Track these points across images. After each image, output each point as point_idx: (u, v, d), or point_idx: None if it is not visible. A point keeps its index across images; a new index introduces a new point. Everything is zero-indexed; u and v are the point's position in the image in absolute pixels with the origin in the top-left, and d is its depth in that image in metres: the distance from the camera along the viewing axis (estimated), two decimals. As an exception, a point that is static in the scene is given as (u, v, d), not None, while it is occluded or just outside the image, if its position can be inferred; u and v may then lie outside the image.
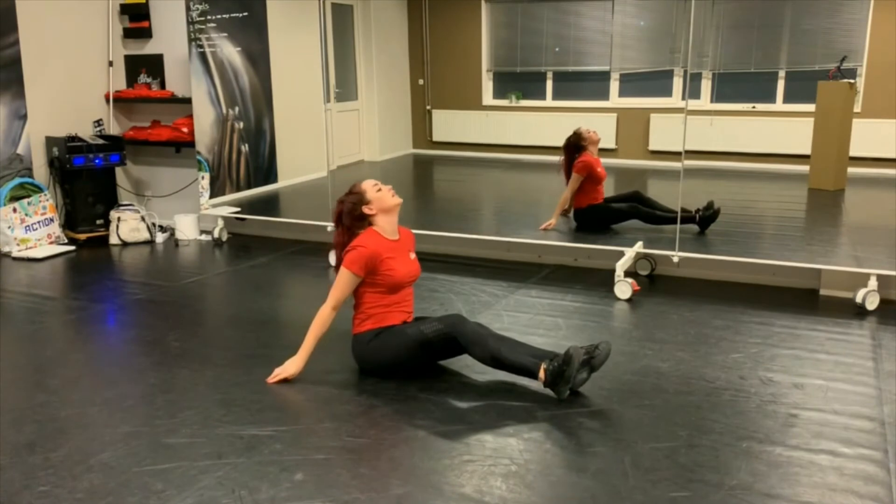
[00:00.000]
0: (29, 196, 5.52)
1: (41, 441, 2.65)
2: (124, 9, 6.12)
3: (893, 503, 2.27)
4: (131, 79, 6.22)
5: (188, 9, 5.63)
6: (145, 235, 5.76)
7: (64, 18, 5.81)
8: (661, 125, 6.18)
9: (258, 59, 6.05)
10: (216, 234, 5.78)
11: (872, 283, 4.03)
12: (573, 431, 2.69)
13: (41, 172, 5.76)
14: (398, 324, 3.17)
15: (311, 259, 5.19)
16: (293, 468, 2.45)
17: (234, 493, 2.31)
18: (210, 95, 5.82)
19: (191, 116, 5.82)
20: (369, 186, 3.20)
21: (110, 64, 6.20)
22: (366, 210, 3.18)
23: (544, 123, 6.63)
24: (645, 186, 5.86)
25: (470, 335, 2.98)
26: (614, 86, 6.45)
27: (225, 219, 5.84)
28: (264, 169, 6.23)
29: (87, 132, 5.94)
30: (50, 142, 5.71)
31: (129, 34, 6.18)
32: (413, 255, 3.30)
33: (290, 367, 3.16)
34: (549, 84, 6.73)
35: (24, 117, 5.61)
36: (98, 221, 5.81)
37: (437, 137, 7.11)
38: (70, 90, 5.93)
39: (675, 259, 4.49)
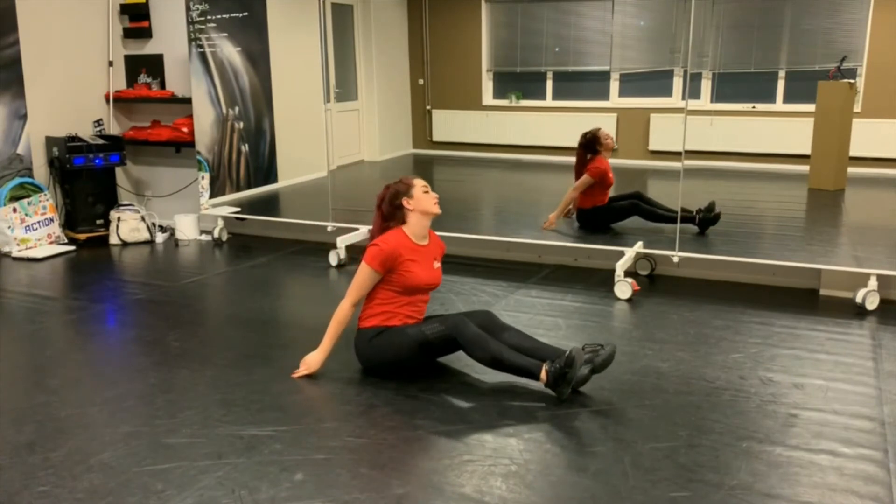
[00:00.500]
0: (29, 196, 5.52)
1: (41, 441, 2.65)
2: (124, 9, 6.12)
3: (893, 503, 2.27)
4: (131, 79, 6.22)
5: (188, 9, 5.63)
6: (145, 235, 5.76)
7: (64, 18, 5.81)
8: (661, 125, 6.18)
9: (258, 59, 6.05)
10: (216, 234, 5.78)
11: (872, 283, 4.03)
12: (573, 431, 2.69)
13: (41, 172, 5.76)
14: (400, 325, 3.18)
15: (311, 259, 5.19)
16: (293, 468, 2.45)
17: (234, 493, 2.31)
18: (210, 95, 5.82)
19: (191, 116, 5.82)
20: (419, 185, 3.22)
21: (110, 64, 6.20)
22: (405, 203, 3.18)
23: (544, 123, 6.63)
24: (645, 186, 5.86)
25: (471, 337, 2.98)
26: (614, 86, 6.45)
27: (225, 219, 5.84)
28: (264, 169, 6.23)
29: (87, 132, 5.94)
30: (50, 142, 5.71)
31: (129, 34, 6.18)
32: (438, 265, 3.28)
33: (313, 363, 3.19)
34: (549, 84, 6.73)
35: (24, 117, 5.61)
36: (98, 221, 5.81)
37: (437, 137, 7.12)
38: (70, 90, 5.93)
39: (675, 259, 4.49)
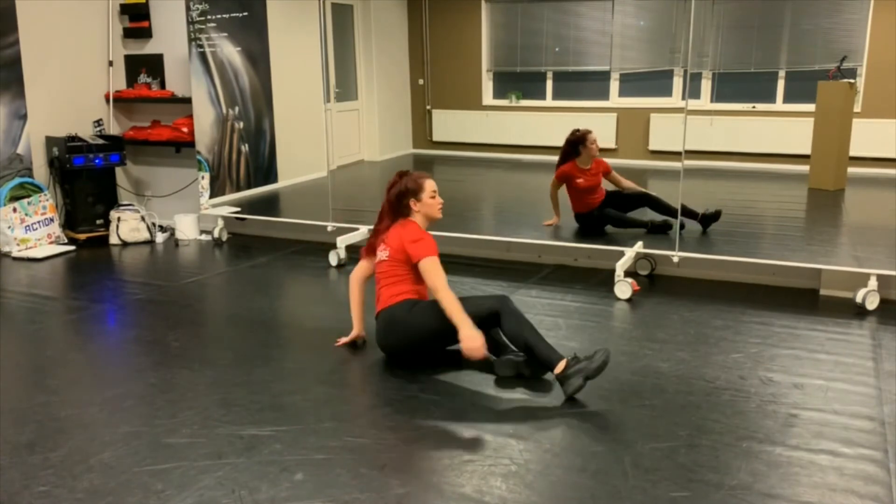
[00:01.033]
0: (29, 196, 5.52)
1: (41, 441, 2.65)
2: (124, 9, 6.12)
3: (893, 503, 2.27)
4: (131, 79, 6.22)
5: (188, 9, 5.63)
6: (145, 235, 5.76)
7: (64, 18, 5.81)
8: (661, 125, 6.19)
9: (258, 59, 6.05)
10: (216, 234, 5.78)
11: (872, 283, 4.03)
12: (573, 431, 2.69)
13: (41, 172, 5.76)
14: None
15: (311, 259, 5.19)
16: (293, 468, 2.45)
17: (234, 493, 2.31)
18: (210, 95, 5.82)
19: (191, 116, 5.82)
20: (429, 189, 3.33)
21: (110, 64, 6.20)
22: (412, 204, 3.30)
23: (544, 123, 6.63)
24: (645, 186, 5.86)
25: (513, 309, 3.12)
26: (614, 86, 6.45)
27: (225, 219, 5.84)
28: (264, 169, 6.23)
29: (87, 132, 5.94)
30: (50, 142, 5.71)
31: (129, 34, 6.19)
32: None
33: (476, 347, 3.01)
34: (549, 84, 6.74)
35: (24, 117, 5.61)
36: (98, 221, 5.81)
37: (437, 137, 7.12)
38: (70, 90, 5.93)
39: (675, 259, 4.49)
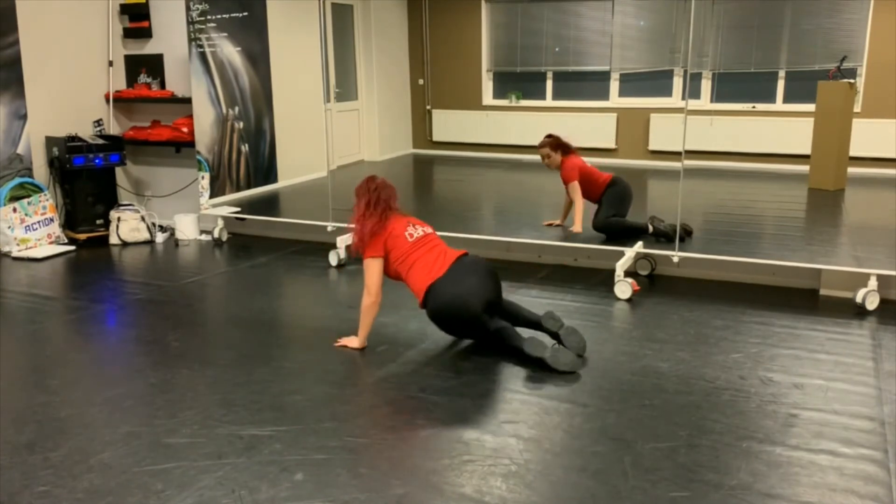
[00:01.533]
0: (29, 196, 5.52)
1: (41, 441, 2.65)
2: (124, 9, 6.12)
3: (893, 503, 2.27)
4: (131, 79, 6.22)
5: (188, 9, 5.63)
6: (145, 235, 5.76)
7: (64, 18, 5.81)
8: (661, 125, 6.19)
9: (258, 59, 6.05)
10: (216, 234, 5.78)
11: (872, 283, 4.03)
12: (573, 431, 2.69)
13: (41, 172, 5.76)
14: None
15: (311, 259, 5.19)
16: (293, 468, 2.45)
17: (234, 493, 2.31)
18: (210, 95, 5.82)
19: (191, 116, 5.82)
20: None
21: (110, 64, 6.20)
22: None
23: (544, 123, 6.62)
24: (645, 186, 5.87)
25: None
26: (614, 86, 6.45)
27: (225, 219, 5.84)
28: (264, 169, 6.23)
29: (87, 132, 5.94)
30: (50, 142, 5.71)
31: (129, 34, 6.18)
32: None
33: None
34: (549, 84, 6.74)
35: (24, 117, 5.61)
36: (98, 221, 5.81)
37: (437, 137, 7.12)
38: (70, 90, 5.93)
39: (675, 259, 4.49)
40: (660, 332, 3.71)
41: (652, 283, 4.57)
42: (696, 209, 4.85)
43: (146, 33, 6.11)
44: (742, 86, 6.03)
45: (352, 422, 2.77)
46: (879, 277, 4.03)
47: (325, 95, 5.85)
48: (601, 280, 4.57)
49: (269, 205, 6.19)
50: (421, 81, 7.07)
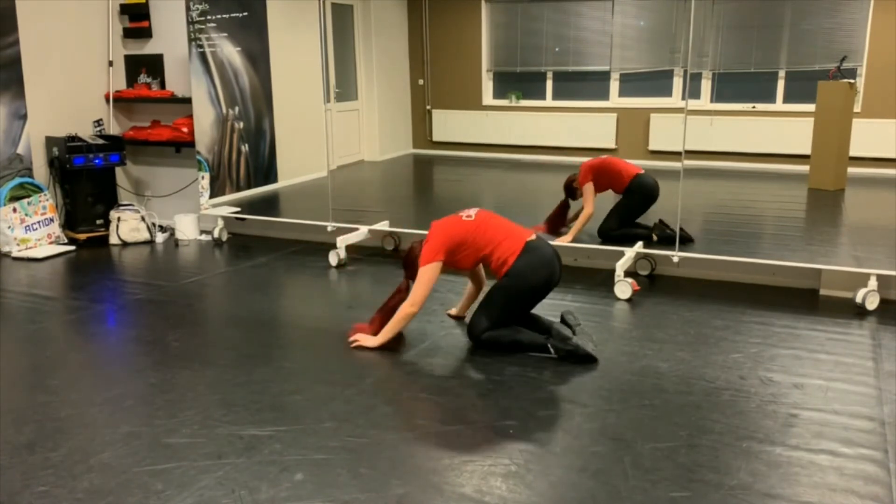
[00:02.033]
0: (29, 196, 5.52)
1: (41, 441, 2.65)
2: (124, 9, 6.12)
3: (893, 503, 2.27)
4: (131, 79, 6.22)
5: (188, 9, 5.63)
6: (145, 235, 5.76)
7: (64, 18, 5.81)
8: (661, 125, 6.18)
9: (258, 59, 6.05)
10: (216, 234, 5.78)
11: (872, 283, 4.03)
12: (573, 431, 2.69)
13: (41, 172, 5.76)
14: None
15: (311, 259, 5.19)
16: (293, 468, 2.45)
17: (234, 493, 2.31)
18: (210, 95, 5.82)
19: (191, 116, 5.82)
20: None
21: (110, 64, 6.20)
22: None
23: (544, 123, 6.63)
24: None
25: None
26: (614, 86, 6.45)
27: (225, 219, 5.84)
28: (264, 169, 6.23)
29: (87, 132, 5.94)
30: (50, 142, 5.71)
31: (129, 34, 6.19)
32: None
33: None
34: (549, 84, 6.73)
35: (24, 117, 5.61)
36: (98, 221, 5.81)
37: (437, 137, 7.11)
38: (70, 90, 5.93)
39: (675, 259, 4.49)
40: (660, 332, 3.71)
41: (652, 283, 4.57)
42: (696, 209, 4.85)
43: (146, 33, 6.11)
44: (742, 86, 6.02)
45: (352, 422, 2.77)
46: (879, 277, 4.03)
47: (325, 95, 5.85)
48: (601, 280, 4.57)
49: (269, 205, 6.19)
50: (421, 81, 7.07)
